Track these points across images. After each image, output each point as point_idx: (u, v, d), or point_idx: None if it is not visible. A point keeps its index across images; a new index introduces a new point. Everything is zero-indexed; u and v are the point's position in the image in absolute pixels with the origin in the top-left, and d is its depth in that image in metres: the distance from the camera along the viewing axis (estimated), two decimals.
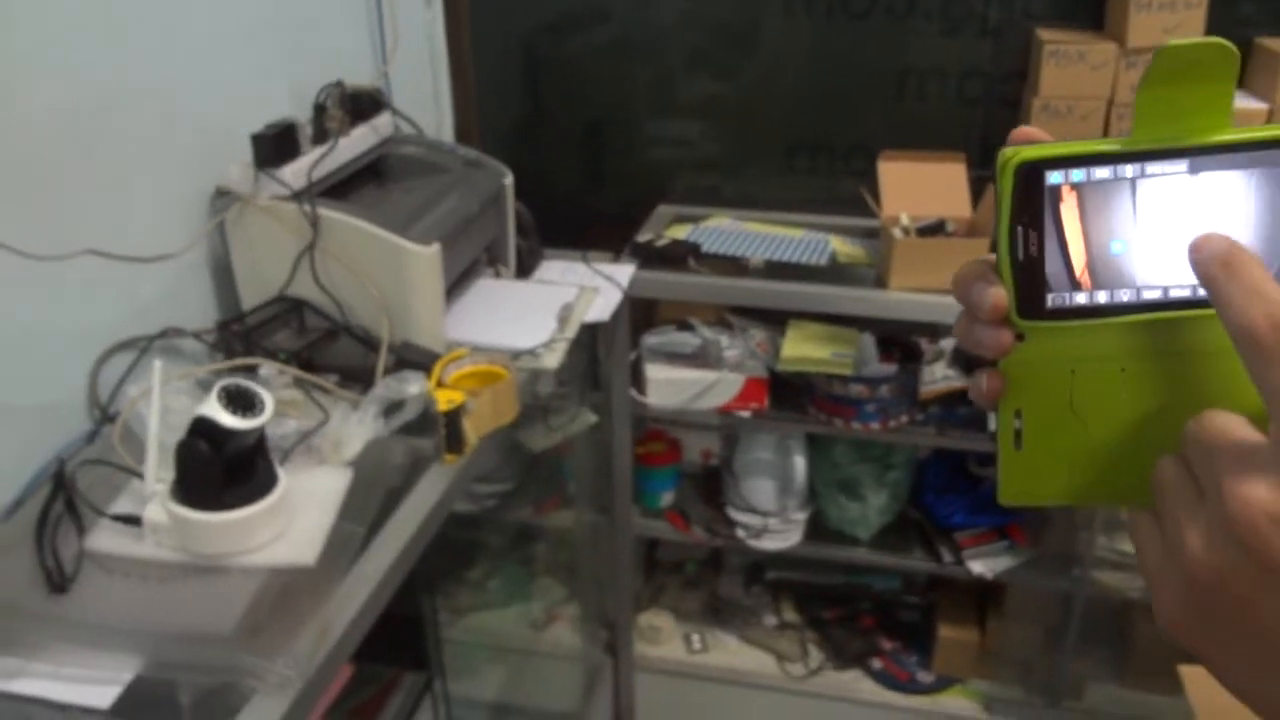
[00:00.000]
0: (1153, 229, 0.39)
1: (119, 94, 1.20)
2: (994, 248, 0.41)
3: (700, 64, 2.20)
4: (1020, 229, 0.40)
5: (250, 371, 1.21)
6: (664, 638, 2.36)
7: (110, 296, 1.22)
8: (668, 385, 2.02)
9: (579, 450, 2.03)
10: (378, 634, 0.98)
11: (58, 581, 0.93)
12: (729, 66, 2.19)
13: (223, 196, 1.32)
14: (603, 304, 1.59)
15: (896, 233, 1.83)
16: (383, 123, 1.56)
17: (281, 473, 1.01)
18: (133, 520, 0.99)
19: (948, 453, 2.19)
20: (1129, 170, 0.39)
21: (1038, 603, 2.21)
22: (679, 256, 1.96)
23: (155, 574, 0.96)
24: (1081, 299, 0.40)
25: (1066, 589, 2.07)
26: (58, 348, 1.15)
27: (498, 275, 1.63)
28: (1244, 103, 1.84)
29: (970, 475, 2.20)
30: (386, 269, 1.28)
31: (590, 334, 1.74)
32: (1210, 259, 0.35)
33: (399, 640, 1.30)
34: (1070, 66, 1.90)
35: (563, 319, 1.49)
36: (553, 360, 1.40)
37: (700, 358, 2.02)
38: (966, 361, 1.93)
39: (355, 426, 1.15)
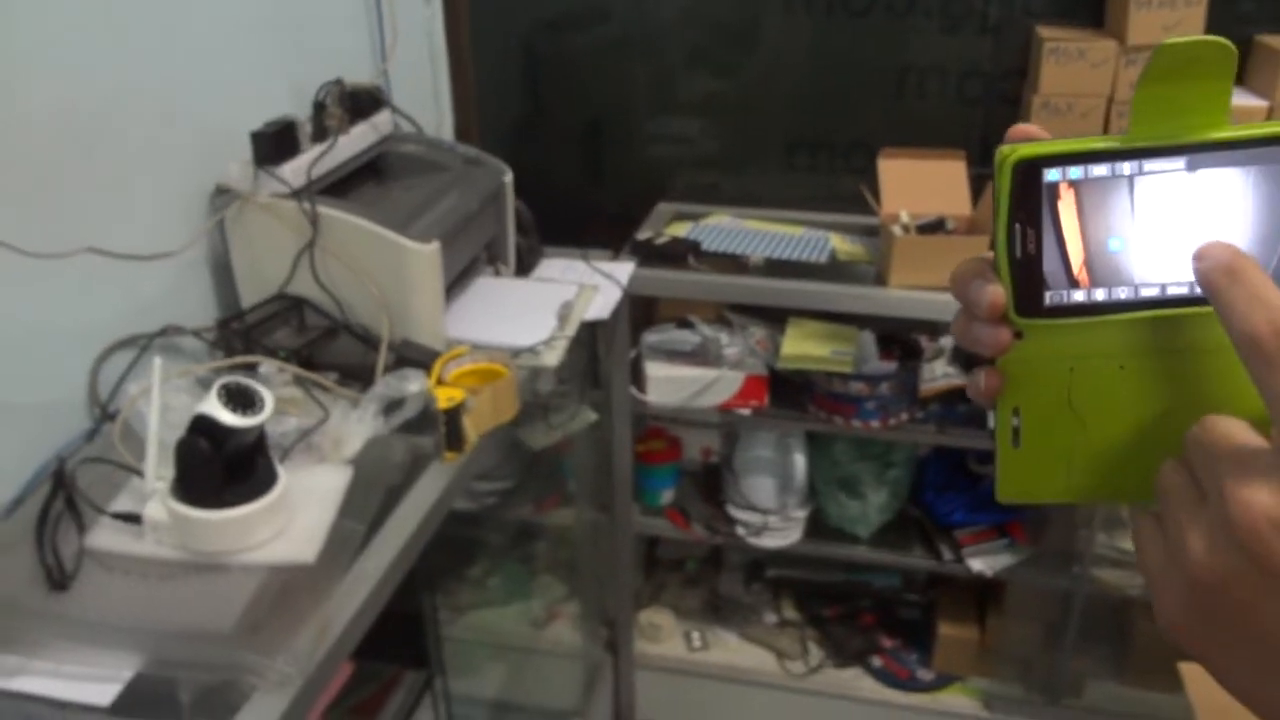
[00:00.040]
0: (1150, 226, 0.39)
1: (119, 93, 1.21)
2: (993, 245, 0.41)
3: (700, 61, 2.20)
4: (1018, 227, 0.40)
5: (250, 369, 1.21)
6: (664, 635, 2.36)
7: (110, 294, 1.22)
8: (668, 383, 2.02)
9: (579, 448, 2.03)
10: (378, 632, 0.98)
11: (58, 579, 0.93)
12: (729, 64, 2.19)
13: (222, 194, 1.32)
14: (602, 302, 1.59)
15: (896, 230, 1.83)
16: (382, 121, 1.56)
17: (281, 471, 1.01)
18: (133, 518, 0.99)
19: (948, 450, 2.19)
20: (1127, 168, 0.39)
21: (1038, 600, 2.21)
22: (679, 254, 1.96)
23: (155, 572, 0.96)
24: (1079, 296, 0.40)
25: (1066, 587, 2.07)
26: (58, 346, 1.15)
27: (497, 273, 1.63)
28: (1244, 100, 1.84)
29: (970, 473, 2.20)
30: (386, 267, 1.29)
31: (590, 332, 1.74)
32: (1213, 267, 0.36)
33: (399, 638, 1.30)
34: (1070, 64, 1.90)
35: (562, 317, 1.49)
36: (553, 358, 1.40)
37: (700, 355, 2.02)
38: (966, 359, 1.93)
39: (355, 424, 1.16)
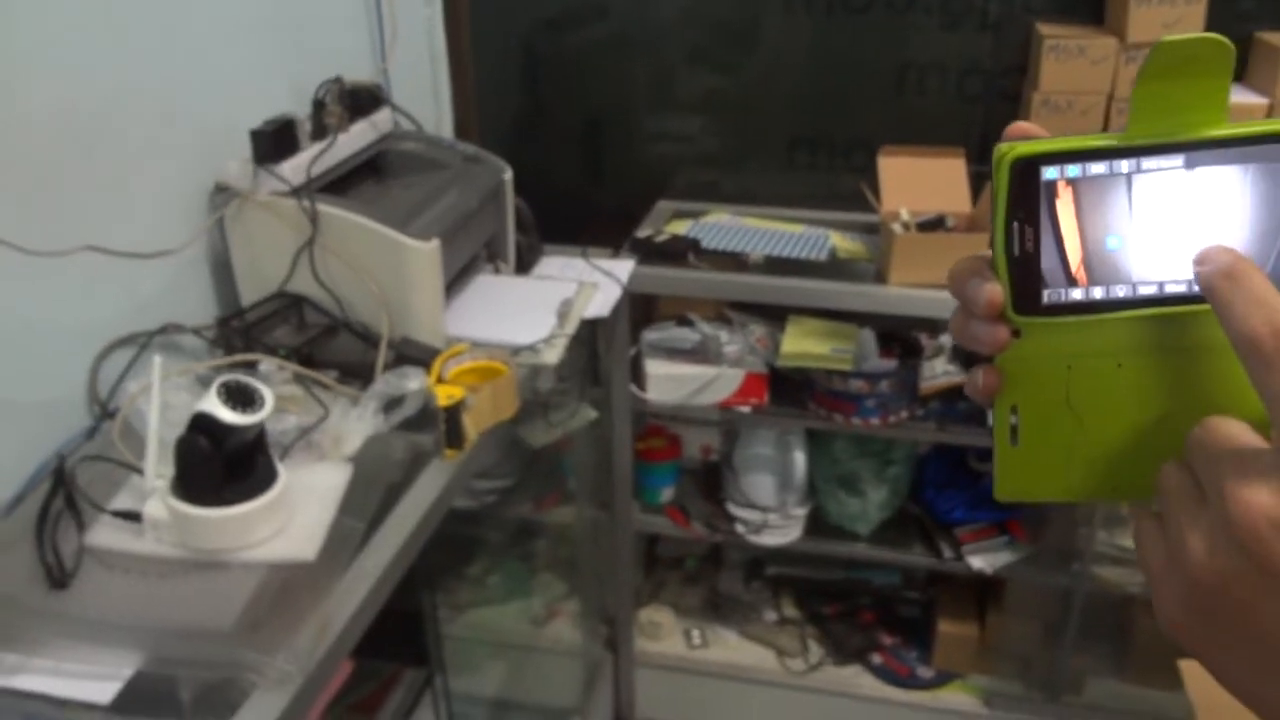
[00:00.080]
0: (1148, 224, 0.39)
1: (119, 91, 1.21)
2: (991, 244, 0.41)
3: (700, 59, 2.20)
4: (1016, 225, 0.40)
5: (250, 367, 1.21)
6: (664, 633, 2.36)
7: (110, 292, 1.22)
8: (667, 381, 2.02)
9: (579, 446, 2.03)
10: (378, 629, 0.98)
11: (58, 577, 0.93)
12: (729, 62, 2.19)
13: (222, 192, 1.32)
14: (602, 299, 1.59)
15: (896, 228, 1.83)
16: (382, 119, 1.56)
17: (281, 468, 1.01)
18: (133, 516, 0.99)
19: (948, 448, 2.19)
20: (1125, 165, 0.39)
21: (1037, 598, 2.21)
22: (678, 252, 1.96)
23: (155, 570, 0.96)
24: (1077, 295, 0.40)
25: (1066, 584, 2.07)
26: (58, 344, 1.16)
27: (497, 271, 1.63)
28: (1244, 97, 1.84)
29: (970, 470, 2.20)
30: (386, 265, 1.29)
31: (590, 330, 1.74)
32: (1214, 271, 0.36)
33: (399, 636, 1.30)
34: (1070, 61, 1.90)
35: (562, 315, 1.49)
36: (552, 356, 1.40)
37: (700, 353, 2.02)
38: (966, 357, 1.93)
39: (355, 422, 1.16)
